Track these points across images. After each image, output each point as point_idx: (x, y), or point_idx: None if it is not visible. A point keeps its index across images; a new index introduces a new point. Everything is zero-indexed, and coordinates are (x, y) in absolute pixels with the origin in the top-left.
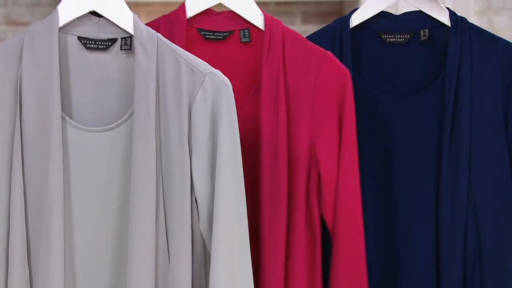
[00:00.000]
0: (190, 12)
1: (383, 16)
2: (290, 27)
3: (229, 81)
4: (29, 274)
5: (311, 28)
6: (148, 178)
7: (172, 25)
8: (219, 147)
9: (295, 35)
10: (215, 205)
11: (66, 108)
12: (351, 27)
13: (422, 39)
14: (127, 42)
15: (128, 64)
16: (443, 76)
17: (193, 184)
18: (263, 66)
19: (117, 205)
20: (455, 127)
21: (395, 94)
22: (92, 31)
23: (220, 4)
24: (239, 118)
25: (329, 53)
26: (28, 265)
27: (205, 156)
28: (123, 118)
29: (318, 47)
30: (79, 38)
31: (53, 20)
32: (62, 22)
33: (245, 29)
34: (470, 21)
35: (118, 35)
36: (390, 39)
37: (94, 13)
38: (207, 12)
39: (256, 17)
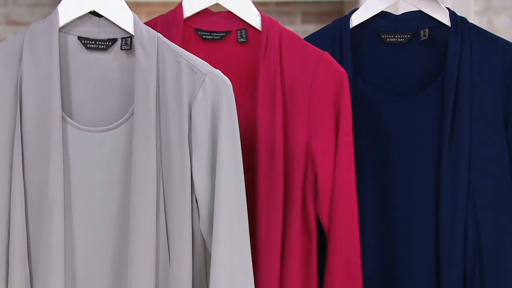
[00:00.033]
0: (187, 12)
1: (383, 16)
2: (290, 27)
3: (229, 81)
4: (30, 274)
5: (311, 28)
6: (149, 178)
7: (169, 25)
8: (220, 146)
9: (292, 35)
10: (215, 205)
11: (66, 108)
12: (351, 27)
13: (422, 39)
14: (127, 42)
15: (128, 64)
16: (443, 76)
17: (193, 184)
18: (260, 66)
19: (117, 205)
20: (455, 127)
21: (395, 94)
22: (92, 31)
23: (217, 4)
24: None
25: (326, 53)
26: (29, 265)
27: (206, 156)
28: (123, 118)
29: (315, 47)
30: (79, 38)
31: (53, 20)
32: (62, 22)
33: (242, 29)
34: (470, 21)
35: (118, 35)
36: (390, 39)
37: (94, 13)
38: (204, 12)
39: (253, 17)
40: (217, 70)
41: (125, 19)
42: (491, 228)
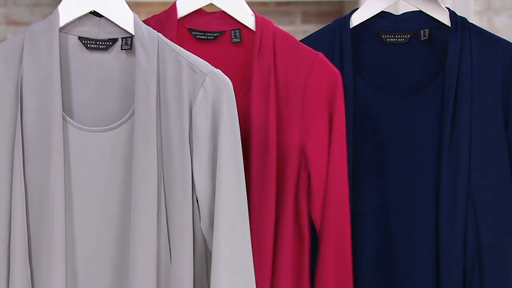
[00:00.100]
0: (181, 12)
1: (383, 16)
2: (290, 27)
3: (229, 81)
4: (31, 274)
5: (311, 28)
6: (149, 178)
7: (163, 25)
8: (220, 146)
9: (286, 36)
10: (216, 205)
11: (67, 108)
12: (351, 27)
13: (422, 39)
14: (128, 42)
15: (128, 64)
16: (443, 76)
17: (194, 184)
18: (254, 67)
19: (118, 205)
20: (455, 127)
21: (395, 94)
22: (92, 31)
23: (211, 4)
24: None
25: (320, 54)
26: (30, 265)
27: (206, 156)
28: (124, 118)
29: (309, 48)
30: (80, 38)
31: (53, 20)
32: (62, 22)
33: (236, 29)
34: (470, 21)
35: (119, 35)
36: (390, 39)
37: (94, 13)
38: (198, 12)
39: (247, 18)
40: (218, 70)
41: (126, 19)
42: (491, 228)
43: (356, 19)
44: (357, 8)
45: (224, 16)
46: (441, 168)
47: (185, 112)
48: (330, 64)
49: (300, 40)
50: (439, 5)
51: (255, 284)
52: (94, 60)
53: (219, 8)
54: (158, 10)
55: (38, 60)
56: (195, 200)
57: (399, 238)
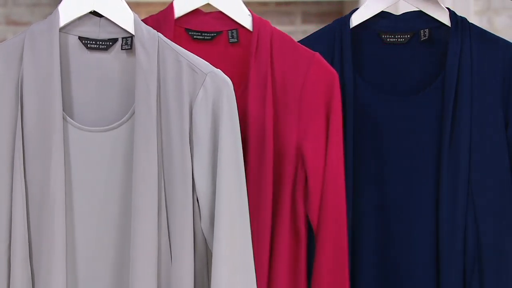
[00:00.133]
0: (178, 12)
1: (383, 16)
2: (290, 27)
3: (230, 80)
4: (31, 274)
5: (311, 28)
6: (150, 178)
7: (159, 25)
8: (220, 146)
9: (283, 36)
10: (216, 204)
11: (67, 108)
12: (351, 27)
13: (422, 39)
14: (128, 42)
15: (129, 64)
16: (443, 76)
17: (194, 183)
18: (251, 67)
19: (118, 205)
20: (455, 127)
21: (395, 94)
22: (93, 31)
23: (208, 5)
24: None
25: (317, 54)
26: (30, 265)
27: (207, 155)
28: (124, 118)
29: (306, 48)
30: (80, 38)
31: (53, 20)
32: (62, 22)
33: (233, 29)
34: (470, 21)
35: (119, 35)
36: (390, 39)
37: (94, 13)
38: (195, 12)
39: (244, 18)
40: (218, 69)
41: (126, 19)
42: (491, 228)
43: (356, 19)
44: (357, 8)
45: (221, 16)
46: (441, 168)
47: (186, 112)
48: (327, 64)
49: (300, 40)
50: (439, 5)
51: (255, 283)
52: (94, 60)
53: (216, 8)
54: (158, 10)
55: (38, 60)
56: (195, 200)
57: (399, 238)
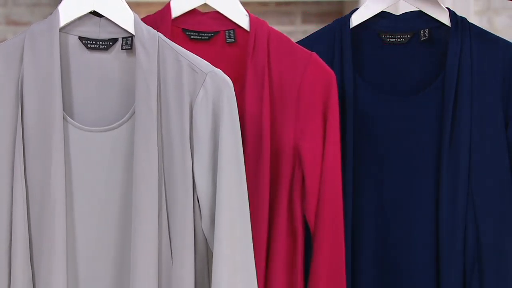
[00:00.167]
0: (175, 12)
1: (383, 16)
2: (290, 27)
3: (230, 80)
4: (32, 275)
5: (311, 28)
6: (150, 178)
7: (157, 25)
8: (221, 146)
9: (280, 36)
10: (217, 204)
11: (67, 108)
12: (351, 27)
13: (422, 39)
14: (128, 42)
15: (129, 64)
16: (443, 76)
17: (195, 183)
18: (248, 67)
19: (119, 205)
20: (455, 127)
21: (395, 94)
22: (93, 31)
23: (205, 5)
24: None
25: (314, 54)
26: (31, 265)
27: (207, 155)
28: (125, 118)
29: (304, 48)
30: (80, 38)
31: (54, 20)
32: (63, 22)
33: (230, 29)
34: (470, 21)
35: (119, 35)
36: (390, 39)
37: (94, 13)
38: (192, 12)
39: (241, 18)
40: (218, 69)
41: (126, 19)
42: (491, 228)
43: (356, 19)
44: (357, 8)
45: (218, 16)
46: (441, 168)
47: (186, 112)
48: (325, 64)
49: (300, 40)
50: (439, 5)
51: (256, 283)
52: (94, 60)
53: (213, 8)
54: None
55: (39, 60)
56: (196, 200)
57: (399, 238)
